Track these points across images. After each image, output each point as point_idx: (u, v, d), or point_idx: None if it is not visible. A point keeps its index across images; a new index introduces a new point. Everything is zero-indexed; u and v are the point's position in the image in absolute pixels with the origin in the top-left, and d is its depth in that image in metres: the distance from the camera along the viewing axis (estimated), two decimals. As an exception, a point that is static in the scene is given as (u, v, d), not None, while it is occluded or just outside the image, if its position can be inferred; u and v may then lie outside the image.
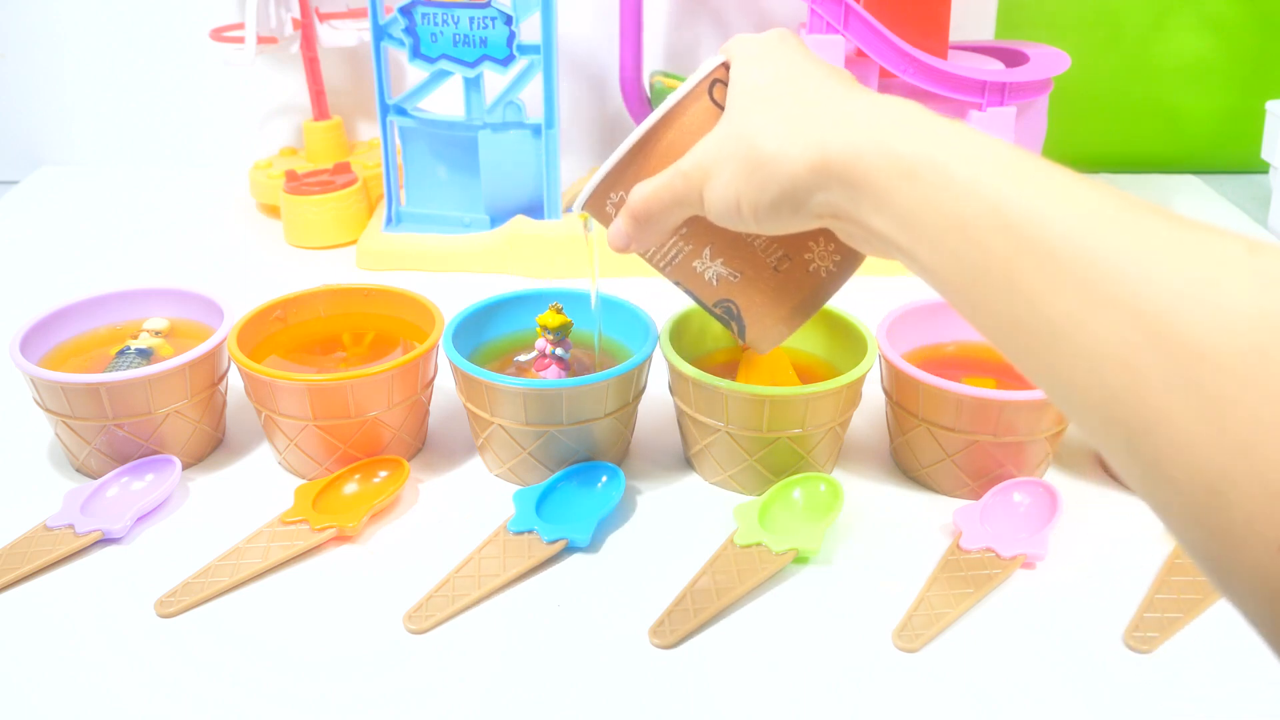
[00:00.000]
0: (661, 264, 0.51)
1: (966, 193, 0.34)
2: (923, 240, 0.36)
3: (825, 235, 0.49)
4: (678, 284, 0.52)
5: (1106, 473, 0.63)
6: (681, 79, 1.04)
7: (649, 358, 0.62)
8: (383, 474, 0.61)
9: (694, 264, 0.50)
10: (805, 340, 0.67)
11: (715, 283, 0.50)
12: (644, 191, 0.46)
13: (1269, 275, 0.27)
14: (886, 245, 0.38)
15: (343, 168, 0.97)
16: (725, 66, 0.46)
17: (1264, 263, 0.28)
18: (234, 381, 0.67)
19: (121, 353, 0.66)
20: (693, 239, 0.50)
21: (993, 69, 0.89)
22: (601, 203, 0.50)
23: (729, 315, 0.52)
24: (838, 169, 0.38)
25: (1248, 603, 0.27)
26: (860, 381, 0.60)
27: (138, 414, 0.61)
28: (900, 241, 0.37)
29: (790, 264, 0.49)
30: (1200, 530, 0.27)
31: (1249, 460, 0.26)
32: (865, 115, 0.39)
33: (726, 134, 0.43)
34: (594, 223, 0.54)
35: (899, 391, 0.61)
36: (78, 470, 0.63)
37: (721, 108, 0.46)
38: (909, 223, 0.36)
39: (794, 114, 0.41)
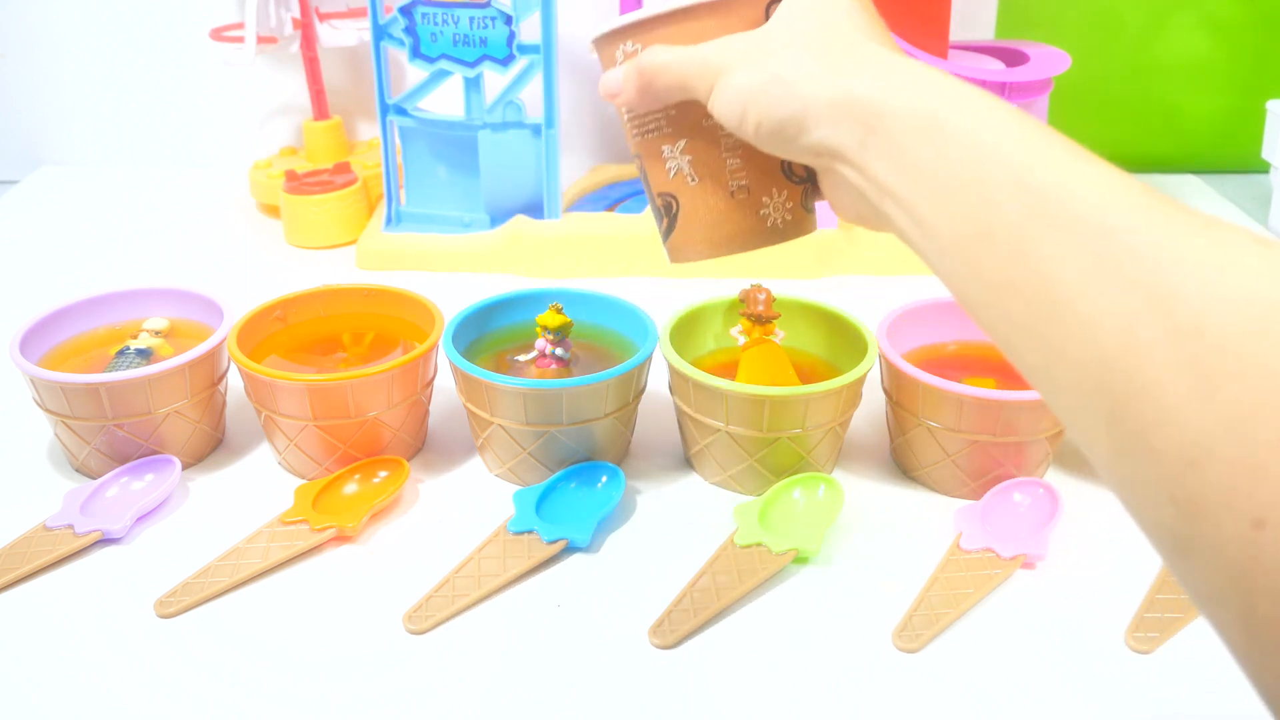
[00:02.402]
0: (634, 130, 0.51)
1: (988, 154, 0.35)
2: (927, 193, 0.36)
3: (791, 191, 0.49)
4: (637, 157, 0.52)
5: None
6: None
7: (649, 358, 0.62)
8: (383, 474, 0.61)
9: (663, 147, 0.50)
10: (805, 340, 0.67)
11: (672, 175, 0.50)
12: (660, 57, 0.46)
13: (1276, 265, 0.28)
14: (880, 194, 0.39)
15: (343, 168, 0.97)
16: None
17: (1272, 254, 0.29)
18: (234, 381, 0.67)
19: (121, 353, 0.66)
20: (675, 123, 0.50)
21: (993, 69, 0.89)
22: (614, 45, 0.50)
23: (666, 210, 0.52)
24: (859, 107, 0.39)
25: (1208, 581, 0.27)
26: (860, 381, 0.60)
27: (137, 414, 0.61)
28: (899, 190, 0.38)
29: (747, 197, 0.50)
30: (1169, 504, 0.28)
31: (1235, 435, 0.26)
32: (902, 71, 0.39)
33: (762, 41, 0.43)
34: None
35: (899, 391, 0.61)
36: (78, 470, 0.63)
37: (768, 20, 0.46)
38: (916, 173, 0.37)
39: (832, 55, 0.41)
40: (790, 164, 0.47)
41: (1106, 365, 0.30)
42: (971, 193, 0.35)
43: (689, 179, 0.50)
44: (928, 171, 0.37)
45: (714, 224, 0.50)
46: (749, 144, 0.44)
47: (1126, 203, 0.32)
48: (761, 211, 0.50)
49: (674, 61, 0.46)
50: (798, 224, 0.50)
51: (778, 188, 0.49)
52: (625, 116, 0.51)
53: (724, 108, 0.44)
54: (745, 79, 0.43)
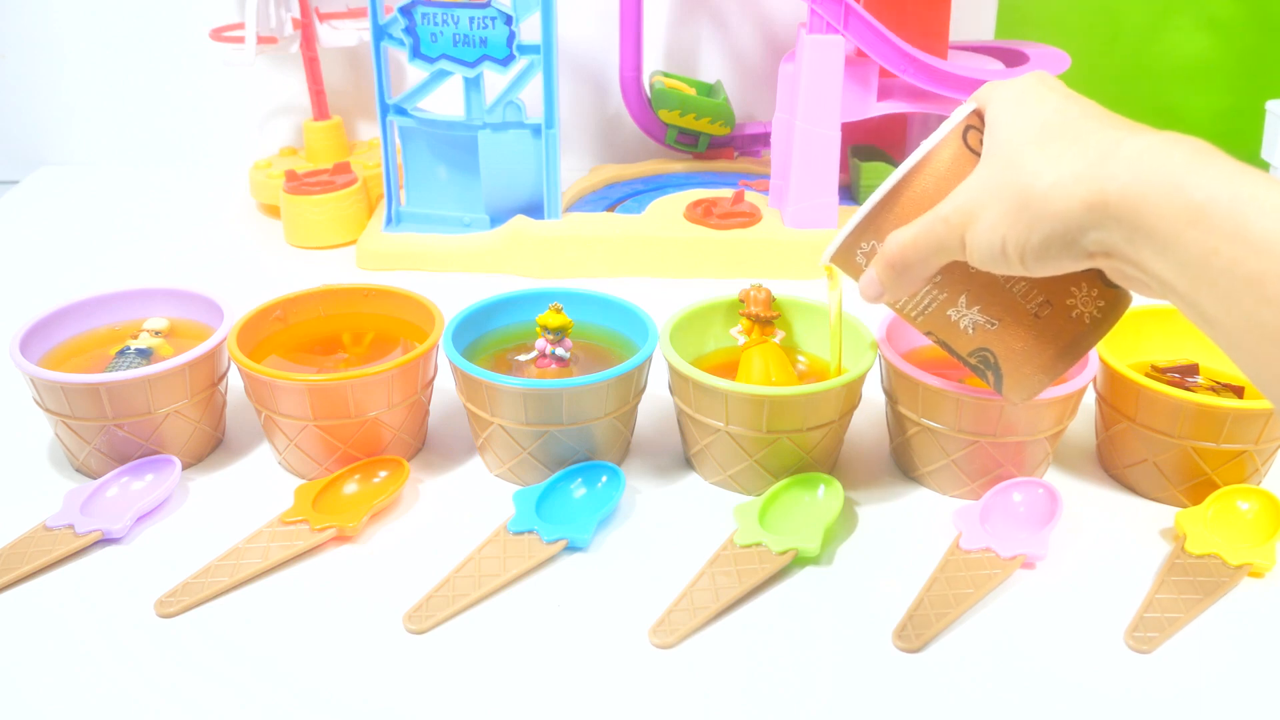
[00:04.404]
0: (913, 314, 0.50)
1: (1264, 248, 0.32)
2: (1208, 291, 0.34)
3: (1089, 280, 0.47)
4: (930, 334, 0.51)
5: (1107, 472, 0.63)
6: (681, 79, 1.05)
7: (649, 358, 0.62)
8: (383, 474, 0.61)
9: (948, 312, 0.49)
10: (805, 340, 0.67)
11: (971, 331, 0.49)
12: (901, 239, 0.45)
13: None
14: (1164, 289, 0.37)
15: (343, 168, 0.97)
16: (978, 114, 0.46)
17: None
18: (234, 381, 0.67)
19: (121, 353, 0.66)
20: (947, 286, 0.49)
21: (993, 69, 0.89)
22: (851, 253, 0.49)
23: (985, 364, 0.50)
24: (1117, 208, 0.37)
25: None
26: (860, 381, 0.60)
27: (138, 414, 0.61)
28: (1180, 289, 0.35)
29: (1051, 310, 0.48)
30: None
31: None
32: (1151, 153, 0.37)
33: (990, 175, 0.41)
34: (839, 274, 0.52)
35: (899, 392, 0.61)
36: (78, 470, 0.63)
37: (976, 153, 0.45)
38: (1194, 271, 0.35)
39: (1065, 152, 0.39)
40: None
41: None
42: (1251, 291, 0.32)
43: (988, 326, 0.49)
44: (1202, 268, 0.34)
45: (1037, 351, 0.49)
46: None
47: None
48: (1073, 314, 0.48)
49: (916, 237, 0.44)
50: (1113, 305, 0.48)
51: (1074, 285, 0.48)
52: (898, 306, 0.50)
53: (983, 253, 0.42)
54: (993, 218, 0.41)
